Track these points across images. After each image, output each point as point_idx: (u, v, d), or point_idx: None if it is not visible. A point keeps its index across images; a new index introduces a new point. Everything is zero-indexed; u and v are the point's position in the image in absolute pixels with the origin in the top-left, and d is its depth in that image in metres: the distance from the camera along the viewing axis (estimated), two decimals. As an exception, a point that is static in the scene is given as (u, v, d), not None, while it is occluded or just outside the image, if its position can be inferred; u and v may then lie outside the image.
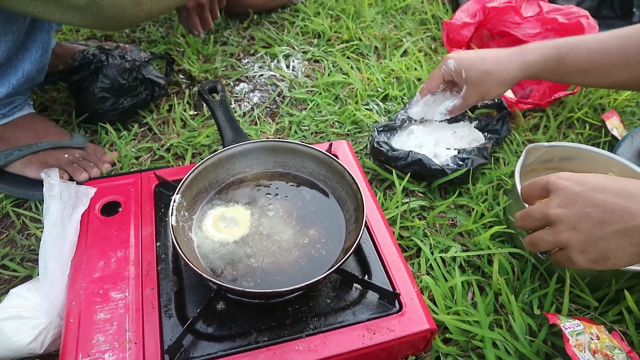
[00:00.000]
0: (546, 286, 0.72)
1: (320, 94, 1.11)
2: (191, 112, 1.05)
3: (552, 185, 0.61)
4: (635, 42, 0.79)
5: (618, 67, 0.81)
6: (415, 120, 0.96)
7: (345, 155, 0.83)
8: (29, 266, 0.76)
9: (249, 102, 1.10)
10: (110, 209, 0.73)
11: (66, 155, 0.87)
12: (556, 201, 0.59)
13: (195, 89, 1.12)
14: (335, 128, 1.03)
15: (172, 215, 0.63)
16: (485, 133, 0.97)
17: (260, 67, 1.20)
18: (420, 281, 0.73)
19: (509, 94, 1.10)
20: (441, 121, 0.97)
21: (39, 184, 0.75)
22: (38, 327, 0.61)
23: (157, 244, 0.68)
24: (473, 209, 0.85)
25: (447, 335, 0.67)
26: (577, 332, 0.61)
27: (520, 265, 0.76)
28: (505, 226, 0.79)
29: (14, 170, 0.85)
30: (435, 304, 0.70)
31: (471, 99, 0.89)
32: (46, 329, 0.62)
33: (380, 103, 1.09)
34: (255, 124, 1.04)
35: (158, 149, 0.96)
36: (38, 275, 0.64)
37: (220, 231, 0.67)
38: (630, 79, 0.83)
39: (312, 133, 1.02)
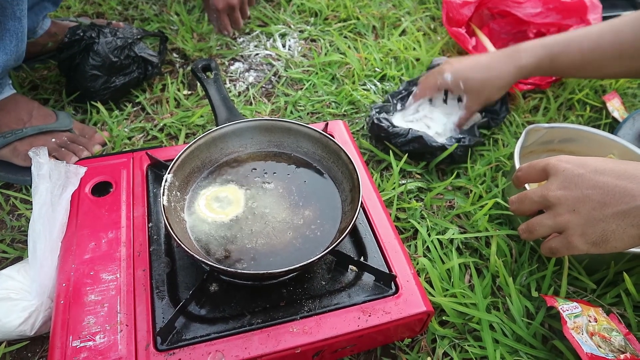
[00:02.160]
0: (544, 268, 0.71)
1: (317, 73, 1.09)
2: (185, 92, 1.03)
3: (552, 167, 0.60)
4: (628, 36, 0.79)
5: (611, 61, 0.82)
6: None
7: (342, 135, 0.81)
8: (19, 247, 0.75)
9: (244, 82, 1.08)
10: (101, 189, 0.71)
11: (53, 140, 0.85)
12: (556, 184, 0.58)
13: (189, 68, 1.09)
14: (332, 108, 1.01)
15: (163, 195, 0.61)
16: (484, 113, 0.95)
17: (255, 46, 1.17)
18: (417, 263, 0.72)
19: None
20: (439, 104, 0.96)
21: (28, 170, 0.73)
22: (28, 309, 0.61)
23: (149, 225, 0.67)
24: (471, 191, 0.84)
25: (443, 318, 0.67)
26: (575, 314, 0.60)
27: (518, 247, 0.75)
28: (503, 203, 0.78)
29: (0, 157, 0.83)
30: (432, 286, 0.69)
31: (474, 107, 0.91)
32: (36, 310, 0.61)
33: (378, 83, 1.07)
34: (251, 103, 1.02)
35: (151, 129, 0.94)
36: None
37: (213, 211, 0.66)
38: (624, 71, 0.84)
39: (308, 113, 1.00)
